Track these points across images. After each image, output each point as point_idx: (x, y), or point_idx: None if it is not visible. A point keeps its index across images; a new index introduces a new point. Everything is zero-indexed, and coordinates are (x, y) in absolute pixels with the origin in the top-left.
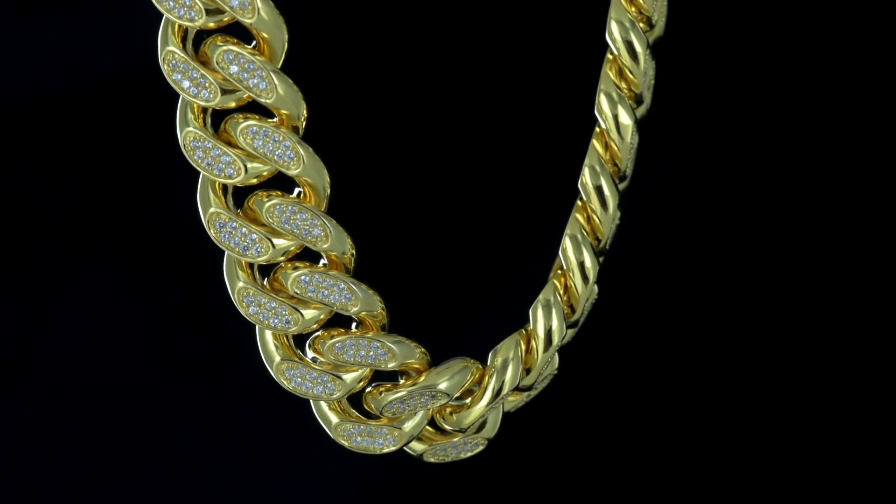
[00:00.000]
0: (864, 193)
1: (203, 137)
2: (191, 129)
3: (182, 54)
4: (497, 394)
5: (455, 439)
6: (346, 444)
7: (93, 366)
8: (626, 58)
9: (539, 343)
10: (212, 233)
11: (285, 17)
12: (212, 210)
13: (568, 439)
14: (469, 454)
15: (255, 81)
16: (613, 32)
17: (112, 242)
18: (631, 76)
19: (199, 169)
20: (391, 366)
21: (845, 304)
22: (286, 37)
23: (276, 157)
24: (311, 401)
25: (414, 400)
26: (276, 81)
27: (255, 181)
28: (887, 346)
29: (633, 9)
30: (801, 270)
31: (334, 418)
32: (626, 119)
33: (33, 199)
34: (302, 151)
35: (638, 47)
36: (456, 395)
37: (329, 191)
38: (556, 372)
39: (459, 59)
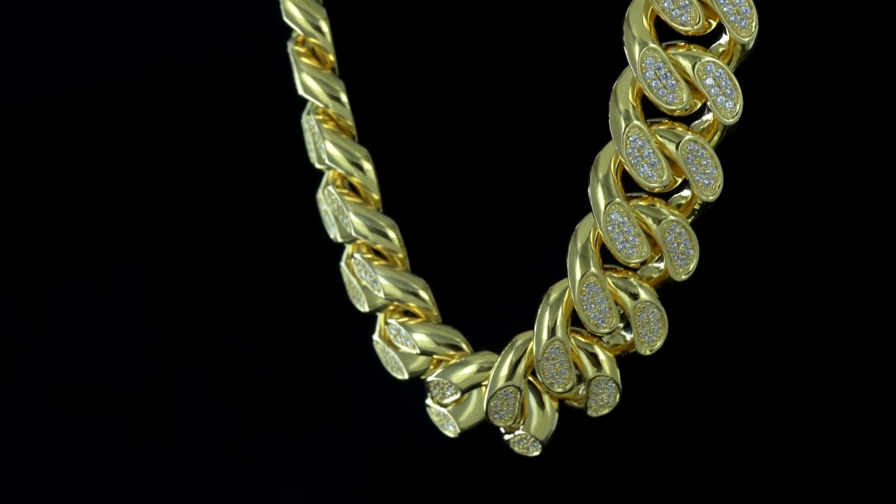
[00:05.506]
0: (866, 194)
1: None
2: None
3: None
4: (513, 369)
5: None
6: (436, 423)
7: (92, 366)
8: (637, 73)
9: (541, 338)
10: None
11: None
12: (318, 195)
13: (565, 439)
14: (531, 452)
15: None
16: (631, 50)
17: (113, 242)
18: (651, 94)
19: None
20: (418, 353)
21: (845, 304)
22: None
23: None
24: None
25: (436, 387)
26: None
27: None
28: (888, 347)
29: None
30: (801, 270)
31: (427, 399)
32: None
33: (33, 199)
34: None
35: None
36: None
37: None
38: (607, 377)
39: (464, 60)
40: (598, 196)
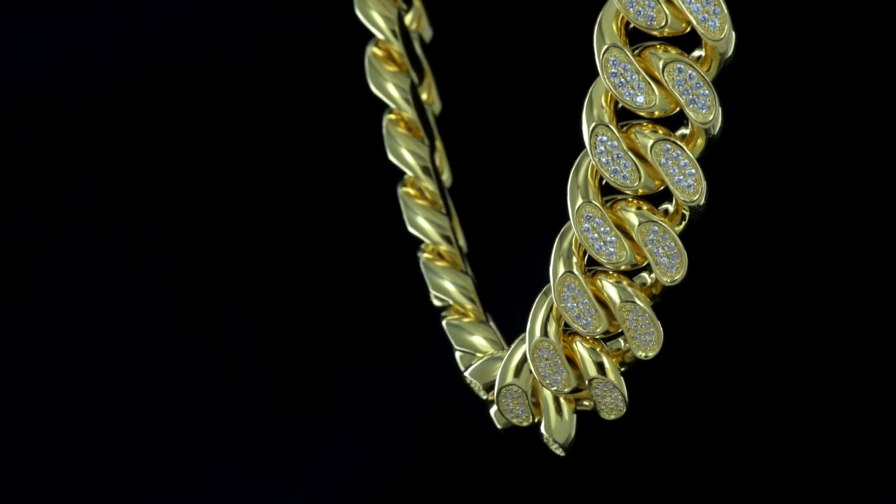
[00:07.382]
0: (865, 193)
1: None
2: None
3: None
4: (519, 367)
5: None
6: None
7: (93, 366)
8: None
9: (533, 335)
10: None
11: None
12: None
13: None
14: (558, 453)
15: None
16: (598, 51)
17: (113, 242)
18: (620, 95)
19: None
20: (456, 349)
21: (845, 304)
22: None
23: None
24: None
25: (472, 384)
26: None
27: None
28: (887, 346)
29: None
30: (801, 270)
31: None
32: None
33: (33, 199)
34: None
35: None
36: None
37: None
38: (608, 381)
39: (459, 57)
40: (573, 197)
